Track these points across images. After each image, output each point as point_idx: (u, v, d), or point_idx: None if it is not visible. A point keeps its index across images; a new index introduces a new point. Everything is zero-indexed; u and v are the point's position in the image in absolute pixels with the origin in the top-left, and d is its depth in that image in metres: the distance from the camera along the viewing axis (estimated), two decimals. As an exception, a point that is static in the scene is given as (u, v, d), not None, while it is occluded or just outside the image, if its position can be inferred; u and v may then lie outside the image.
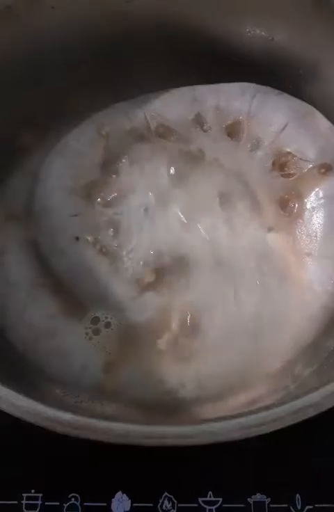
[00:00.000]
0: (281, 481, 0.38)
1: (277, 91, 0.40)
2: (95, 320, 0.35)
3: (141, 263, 0.36)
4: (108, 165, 0.38)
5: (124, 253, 0.36)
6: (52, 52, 0.40)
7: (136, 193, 0.38)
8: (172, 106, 0.40)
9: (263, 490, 0.38)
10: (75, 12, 0.39)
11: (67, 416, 0.24)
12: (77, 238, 0.36)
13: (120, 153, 0.39)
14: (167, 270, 0.36)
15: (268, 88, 0.40)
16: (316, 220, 0.37)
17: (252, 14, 0.40)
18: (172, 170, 0.38)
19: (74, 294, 0.36)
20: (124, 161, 0.39)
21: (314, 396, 0.26)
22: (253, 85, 0.40)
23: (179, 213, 0.37)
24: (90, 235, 0.36)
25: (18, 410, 0.25)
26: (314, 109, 0.39)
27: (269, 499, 0.38)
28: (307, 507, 0.37)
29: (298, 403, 0.25)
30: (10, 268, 0.36)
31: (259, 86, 0.40)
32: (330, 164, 0.37)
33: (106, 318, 0.35)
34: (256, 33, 0.41)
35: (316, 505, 0.38)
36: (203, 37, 0.42)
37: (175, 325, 0.35)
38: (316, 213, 0.37)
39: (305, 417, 0.25)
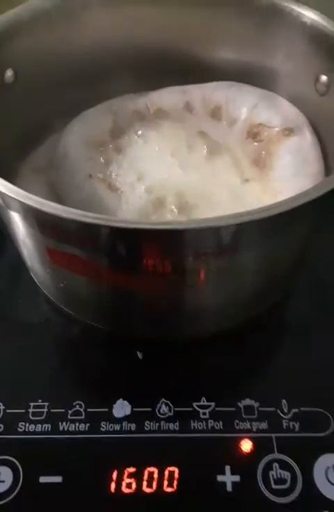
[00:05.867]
0: (268, 388, 0.42)
1: (248, 85, 0.51)
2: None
3: (143, 196, 0.44)
4: (116, 132, 0.49)
5: (128, 189, 0.44)
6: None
7: (139, 149, 0.47)
8: (167, 96, 0.52)
9: (252, 396, 0.41)
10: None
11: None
12: (90, 176, 0.44)
13: (126, 126, 0.49)
14: (165, 203, 0.44)
15: (241, 83, 0.52)
16: (284, 168, 0.46)
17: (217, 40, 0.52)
18: (168, 136, 0.48)
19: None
20: (128, 130, 0.49)
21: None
22: (230, 82, 0.52)
23: (174, 162, 0.46)
24: (101, 174, 0.45)
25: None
26: (277, 94, 0.50)
27: (258, 403, 0.41)
28: (293, 410, 0.41)
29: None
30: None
31: (234, 82, 0.52)
32: (292, 128, 0.47)
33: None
34: (223, 54, 0.53)
35: (301, 408, 0.41)
36: (181, 60, 0.53)
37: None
38: (283, 164, 0.46)
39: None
